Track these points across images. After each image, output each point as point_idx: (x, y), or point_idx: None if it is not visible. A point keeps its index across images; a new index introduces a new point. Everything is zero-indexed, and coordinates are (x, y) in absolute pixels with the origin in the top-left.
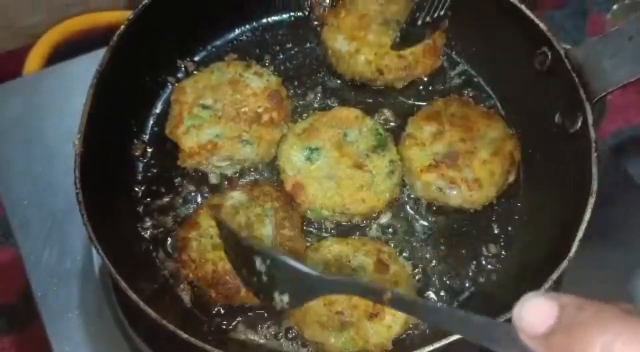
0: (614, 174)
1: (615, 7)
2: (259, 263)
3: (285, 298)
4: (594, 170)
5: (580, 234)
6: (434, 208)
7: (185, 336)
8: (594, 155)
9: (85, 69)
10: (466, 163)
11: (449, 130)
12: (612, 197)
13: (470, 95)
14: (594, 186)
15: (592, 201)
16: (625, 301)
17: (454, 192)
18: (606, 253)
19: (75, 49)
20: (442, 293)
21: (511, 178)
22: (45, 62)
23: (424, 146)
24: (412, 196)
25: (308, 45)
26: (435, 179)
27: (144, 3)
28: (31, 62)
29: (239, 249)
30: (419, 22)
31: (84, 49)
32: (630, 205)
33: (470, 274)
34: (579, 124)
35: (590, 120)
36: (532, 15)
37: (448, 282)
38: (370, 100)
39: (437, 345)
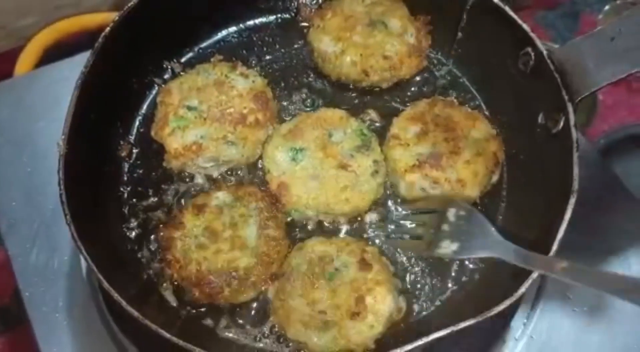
0: (602, 177)
1: (606, 7)
2: (451, 213)
3: (454, 246)
4: (575, 170)
5: (560, 233)
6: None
7: (168, 335)
8: (576, 155)
9: (75, 70)
10: (450, 163)
11: (433, 131)
12: (600, 199)
13: (455, 96)
14: (575, 185)
15: (572, 200)
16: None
17: (437, 192)
18: (592, 254)
19: (67, 51)
20: (425, 291)
21: (495, 178)
22: (36, 63)
23: (408, 146)
24: (395, 195)
25: (294, 46)
26: (419, 179)
27: (129, 5)
28: (22, 63)
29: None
30: None
31: (75, 50)
32: (617, 208)
33: (453, 273)
34: (562, 124)
35: (572, 121)
36: (515, 16)
37: (432, 281)
38: (356, 101)
39: (418, 343)
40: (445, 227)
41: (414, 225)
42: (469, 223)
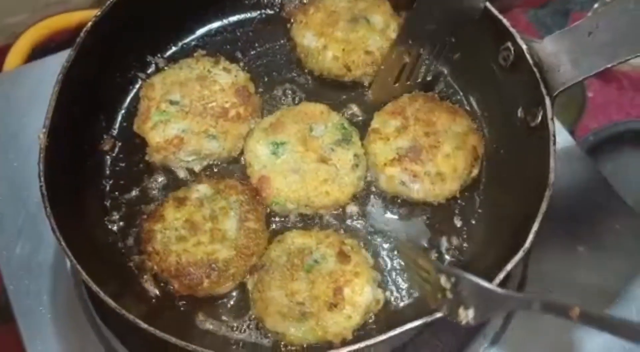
0: (588, 175)
1: (596, 5)
2: (443, 281)
3: (471, 313)
4: (552, 162)
5: (536, 226)
6: (398, 201)
7: (145, 326)
8: (553, 148)
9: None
10: (429, 157)
11: (413, 125)
12: (586, 197)
13: (438, 91)
14: (551, 178)
15: (548, 193)
16: (593, 295)
17: (417, 186)
18: (576, 252)
19: (55, 48)
20: (404, 284)
21: (475, 172)
22: (25, 59)
23: (388, 141)
24: (376, 189)
25: (278, 42)
26: (399, 173)
27: (111, 0)
28: (11, 60)
29: (421, 268)
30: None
31: (64, 47)
32: (603, 206)
33: None
34: (540, 118)
35: (549, 114)
36: (496, 12)
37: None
38: (338, 96)
39: (392, 333)
40: (449, 295)
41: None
42: (466, 288)
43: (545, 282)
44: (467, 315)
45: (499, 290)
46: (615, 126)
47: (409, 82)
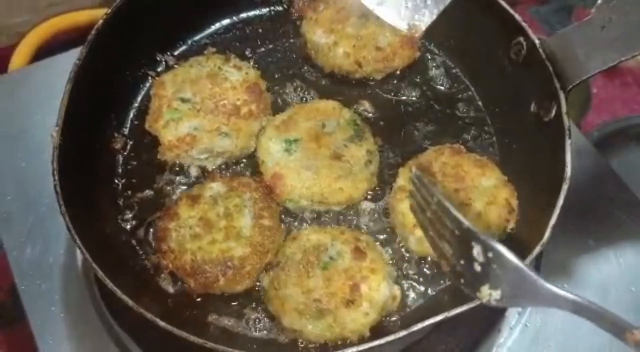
0: (597, 168)
1: (599, 1)
2: (476, 252)
3: (496, 294)
4: (568, 157)
5: (553, 220)
6: (428, 260)
7: (162, 323)
8: (568, 142)
9: (69, 65)
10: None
11: (442, 181)
12: (595, 190)
13: (449, 87)
14: (568, 172)
15: (565, 187)
16: (599, 291)
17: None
18: (587, 245)
19: (60, 48)
20: (420, 280)
21: (510, 226)
22: (30, 60)
23: None
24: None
25: (287, 38)
26: None
27: None
28: (16, 60)
29: (445, 226)
30: None
31: (69, 47)
32: (612, 199)
33: None
34: (554, 112)
35: (564, 109)
36: (507, 6)
37: (427, 271)
38: (349, 92)
39: (412, 329)
40: (477, 267)
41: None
42: (502, 268)
43: (556, 276)
44: (490, 295)
45: (549, 286)
46: (620, 122)
47: None
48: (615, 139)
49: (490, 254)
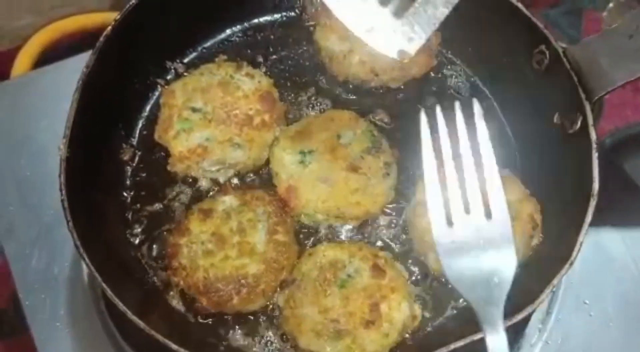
0: (613, 174)
1: (610, 5)
2: None
3: None
4: (595, 172)
5: (581, 237)
6: None
7: (175, 347)
8: (595, 156)
9: (74, 71)
10: None
11: None
12: (611, 197)
13: (466, 95)
14: (595, 187)
15: (593, 203)
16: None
17: None
18: (604, 252)
19: (65, 52)
20: (441, 298)
21: (534, 241)
22: (33, 64)
23: None
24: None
25: (300, 45)
26: None
27: (131, 3)
28: (19, 64)
29: None
30: None
31: (73, 51)
32: (628, 205)
33: None
34: (579, 124)
35: (590, 121)
36: (529, 14)
37: (448, 287)
38: (365, 101)
39: None
40: None
41: None
42: None
43: (573, 286)
44: None
45: None
46: (632, 128)
47: None
48: (628, 145)
49: None
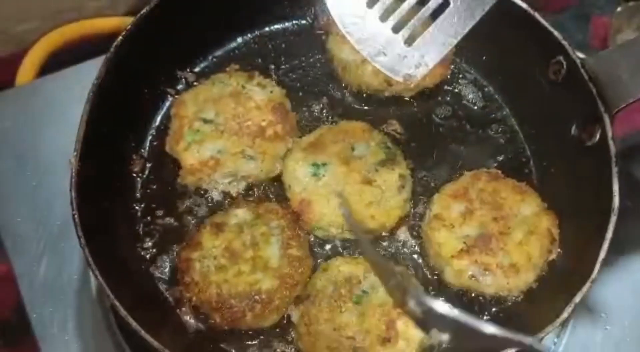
0: (620, 181)
1: (619, 9)
2: (412, 305)
3: (445, 337)
4: (615, 187)
5: (602, 255)
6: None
7: None
8: (615, 170)
9: (81, 78)
10: (500, 246)
11: (479, 209)
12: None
13: (482, 106)
14: (616, 202)
15: (614, 219)
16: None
17: (489, 279)
18: (617, 262)
19: (71, 57)
20: None
21: (552, 256)
22: (39, 70)
23: (452, 228)
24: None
25: (312, 54)
26: (468, 265)
27: (141, 12)
28: (25, 70)
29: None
30: None
31: (80, 56)
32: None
33: (489, 298)
34: (597, 137)
35: (609, 133)
36: (546, 23)
37: (465, 304)
38: (378, 111)
39: None
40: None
41: None
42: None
43: (590, 299)
44: (440, 338)
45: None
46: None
47: None
48: (637, 151)
49: (423, 308)
